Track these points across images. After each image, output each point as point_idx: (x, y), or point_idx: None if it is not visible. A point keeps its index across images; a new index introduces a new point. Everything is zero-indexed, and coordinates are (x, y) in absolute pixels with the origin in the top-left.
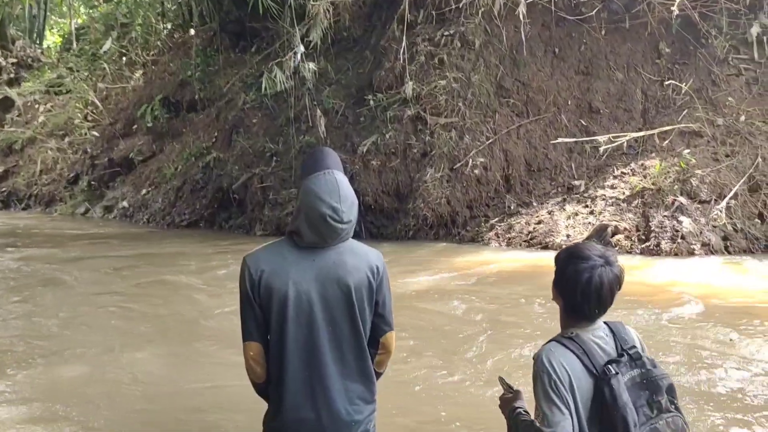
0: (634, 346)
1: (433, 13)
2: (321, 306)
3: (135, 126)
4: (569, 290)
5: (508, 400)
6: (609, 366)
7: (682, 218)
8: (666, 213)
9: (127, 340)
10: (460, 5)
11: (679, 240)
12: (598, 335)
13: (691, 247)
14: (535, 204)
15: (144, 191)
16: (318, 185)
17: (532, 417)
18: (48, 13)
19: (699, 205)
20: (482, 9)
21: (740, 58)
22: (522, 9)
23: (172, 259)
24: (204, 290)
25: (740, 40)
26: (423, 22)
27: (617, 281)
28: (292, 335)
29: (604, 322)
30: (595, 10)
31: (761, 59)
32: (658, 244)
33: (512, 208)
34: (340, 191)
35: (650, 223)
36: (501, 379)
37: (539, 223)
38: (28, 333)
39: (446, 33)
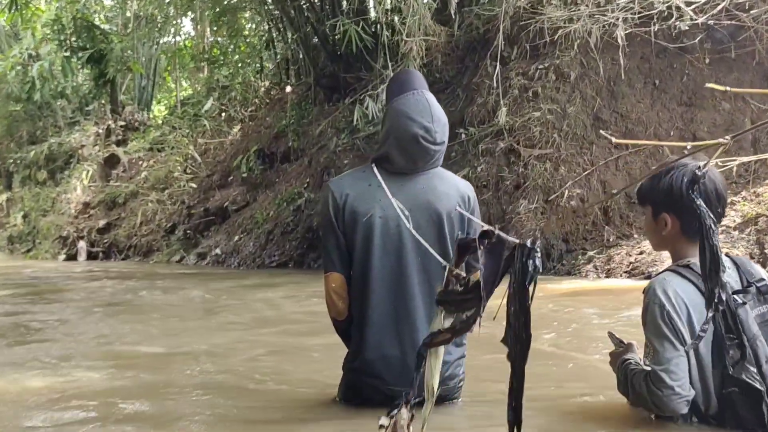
0: (763, 279)
1: (527, 47)
2: (410, 233)
3: (231, 177)
4: (686, 201)
5: (619, 354)
6: (734, 296)
7: None
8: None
9: None
10: (555, 38)
11: None
12: None
13: None
14: (636, 236)
15: (236, 237)
16: (408, 105)
17: (642, 367)
18: (155, 89)
19: None
20: (578, 41)
21: None
22: (620, 32)
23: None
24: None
25: None
26: (517, 57)
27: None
28: (378, 263)
29: (726, 254)
30: (697, 39)
31: None
32: None
33: (611, 240)
34: (432, 110)
35: (765, 250)
36: (611, 334)
37: (641, 253)
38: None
39: (540, 66)
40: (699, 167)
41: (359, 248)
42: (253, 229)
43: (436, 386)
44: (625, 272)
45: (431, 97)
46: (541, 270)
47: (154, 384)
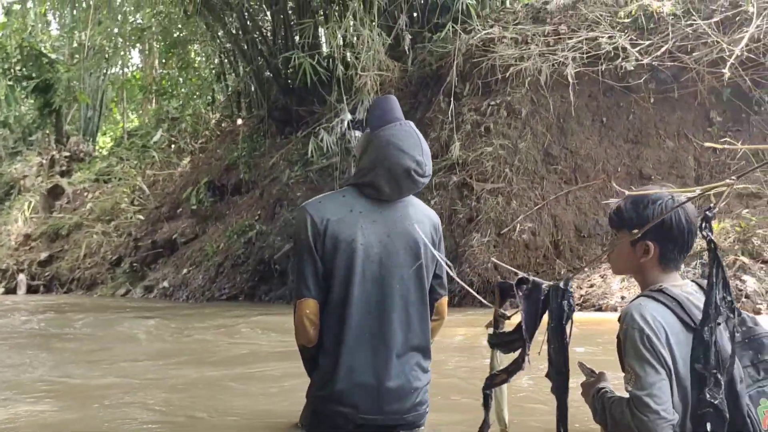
0: (732, 302)
1: (479, 83)
2: (392, 261)
3: (180, 209)
4: (674, 231)
5: (591, 384)
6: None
7: (745, 278)
8: (728, 273)
9: None
10: (507, 75)
11: (744, 299)
12: (687, 290)
13: (757, 306)
14: (586, 269)
15: (185, 270)
16: (398, 137)
17: (619, 395)
18: (101, 119)
19: (763, 265)
20: (529, 79)
21: None
22: (570, 71)
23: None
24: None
25: None
26: (469, 94)
27: None
28: (358, 290)
29: (692, 281)
30: (642, 79)
31: None
32: None
33: (562, 273)
34: (422, 144)
35: None
36: (581, 365)
37: (591, 286)
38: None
39: (492, 103)
40: (710, 208)
41: (339, 274)
42: (203, 262)
43: (506, 417)
44: (577, 305)
45: (417, 130)
46: (575, 309)
47: (95, 417)
